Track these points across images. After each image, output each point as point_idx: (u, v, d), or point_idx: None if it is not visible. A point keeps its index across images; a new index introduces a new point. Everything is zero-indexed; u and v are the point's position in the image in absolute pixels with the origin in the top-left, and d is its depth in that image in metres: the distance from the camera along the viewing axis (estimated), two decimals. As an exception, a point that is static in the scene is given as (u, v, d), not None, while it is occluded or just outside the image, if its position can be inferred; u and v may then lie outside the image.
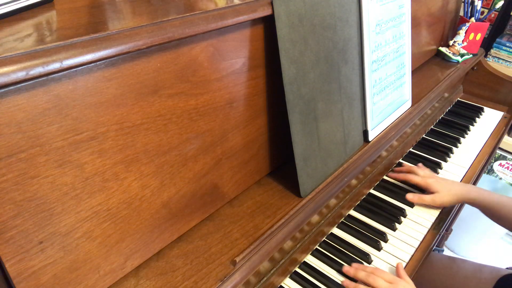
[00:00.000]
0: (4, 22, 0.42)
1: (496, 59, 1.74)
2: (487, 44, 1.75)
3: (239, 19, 0.53)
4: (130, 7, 0.52)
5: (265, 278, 0.66)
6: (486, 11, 1.70)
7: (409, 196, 0.87)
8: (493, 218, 0.84)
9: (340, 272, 0.73)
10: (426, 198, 0.86)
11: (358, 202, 0.90)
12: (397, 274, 0.71)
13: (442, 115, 1.27)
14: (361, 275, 0.69)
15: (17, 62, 0.33)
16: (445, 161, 1.06)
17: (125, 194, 0.49)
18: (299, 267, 0.75)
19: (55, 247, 0.43)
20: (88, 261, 0.47)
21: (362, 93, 0.81)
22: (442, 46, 1.34)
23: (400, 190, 0.94)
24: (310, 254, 0.77)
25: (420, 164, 0.97)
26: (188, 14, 0.47)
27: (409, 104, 1.00)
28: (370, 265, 0.75)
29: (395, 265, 0.74)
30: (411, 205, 0.89)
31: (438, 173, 1.01)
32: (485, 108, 1.33)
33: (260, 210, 0.67)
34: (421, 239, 0.81)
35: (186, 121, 0.53)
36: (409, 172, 0.94)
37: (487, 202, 0.82)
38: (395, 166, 1.02)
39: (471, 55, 1.33)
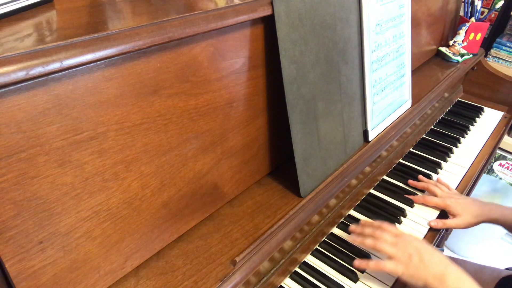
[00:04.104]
0: (4, 22, 0.42)
1: (496, 59, 1.74)
2: (487, 44, 1.75)
3: (239, 19, 0.53)
4: (130, 7, 0.52)
5: (265, 278, 0.66)
6: (486, 11, 1.69)
7: (432, 223, 0.84)
8: None
9: (340, 272, 0.73)
10: (450, 223, 0.84)
11: (358, 202, 0.90)
12: None
13: (442, 115, 1.27)
14: (367, 231, 0.71)
15: (17, 62, 0.33)
16: (445, 161, 1.06)
17: (125, 194, 0.49)
18: (299, 267, 0.75)
19: (55, 247, 0.43)
20: (88, 261, 0.47)
21: (362, 93, 0.81)
22: (442, 46, 1.34)
23: (400, 190, 0.94)
24: (310, 254, 0.77)
25: (438, 178, 0.95)
26: (188, 14, 0.47)
27: (409, 104, 1.00)
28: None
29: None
30: (411, 205, 0.89)
31: (438, 173, 1.01)
32: (485, 108, 1.33)
33: (260, 210, 0.67)
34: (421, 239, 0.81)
35: (186, 121, 0.53)
36: (426, 189, 0.92)
37: (510, 221, 0.81)
38: (395, 166, 1.02)
39: (471, 55, 1.33)
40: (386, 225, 0.73)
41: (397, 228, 0.72)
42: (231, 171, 0.65)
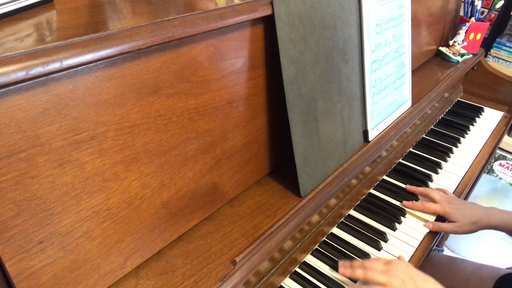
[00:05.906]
0: (4, 22, 0.42)
1: (496, 59, 1.74)
2: (487, 44, 1.75)
3: (239, 19, 0.53)
4: (130, 7, 0.52)
5: (265, 278, 0.66)
6: (486, 11, 1.70)
7: (429, 226, 0.83)
8: None
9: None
10: (446, 227, 0.82)
11: (358, 202, 0.90)
12: None
13: (442, 115, 1.27)
14: (356, 263, 0.69)
15: (17, 62, 0.33)
16: (445, 161, 1.06)
17: (125, 194, 0.49)
18: (299, 267, 0.75)
19: (55, 247, 0.43)
20: (88, 261, 0.47)
21: (362, 93, 0.81)
22: (442, 46, 1.34)
23: (400, 190, 0.94)
24: (310, 254, 0.77)
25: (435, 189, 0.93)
26: (188, 14, 0.47)
27: (409, 104, 1.00)
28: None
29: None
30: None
31: (438, 173, 1.01)
32: (485, 108, 1.33)
33: (260, 210, 0.67)
34: (421, 239, 0.81)
35: (186, 121, 0.53)
36: (423, 195, 0.90)
37: (510, 226, 0.80)
38: (395, 166, 1.02)
39: (471, 55, 1.33)
40: (373, 262, 0.69)
41: (381, 263, 0.68)
42: (231, 171, 0.65)
